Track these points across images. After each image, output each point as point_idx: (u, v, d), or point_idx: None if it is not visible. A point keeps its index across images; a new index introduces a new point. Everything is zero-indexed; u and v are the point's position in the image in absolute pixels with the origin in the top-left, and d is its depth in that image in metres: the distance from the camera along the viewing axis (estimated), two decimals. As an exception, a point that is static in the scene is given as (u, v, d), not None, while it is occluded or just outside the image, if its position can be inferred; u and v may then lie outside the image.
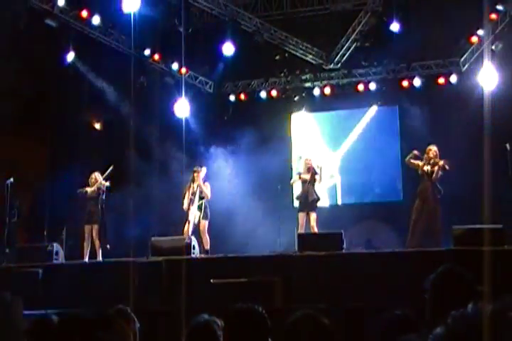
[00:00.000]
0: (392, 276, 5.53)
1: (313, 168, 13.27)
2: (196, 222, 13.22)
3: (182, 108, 16.55)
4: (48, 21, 15.13)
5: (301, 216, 13.01)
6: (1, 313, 3.78)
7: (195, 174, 13.37)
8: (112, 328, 3.31)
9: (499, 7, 14.76)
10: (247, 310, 3.72)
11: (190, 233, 12.94)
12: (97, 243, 13.14)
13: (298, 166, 13.85)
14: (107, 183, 13.36)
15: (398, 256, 8.85)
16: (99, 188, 13.35)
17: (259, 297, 8.52)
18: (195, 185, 13.33)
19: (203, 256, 12.43)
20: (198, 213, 13.25)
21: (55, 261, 12.02)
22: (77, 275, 10.30)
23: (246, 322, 3.61)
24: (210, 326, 3.88)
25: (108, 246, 13.10)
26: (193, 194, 13.27)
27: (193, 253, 11.90)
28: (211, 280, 9.50)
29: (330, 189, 14.12)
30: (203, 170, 13.53)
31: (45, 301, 5.36)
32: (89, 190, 13.40)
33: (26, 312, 4.09)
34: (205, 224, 13.27)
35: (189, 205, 13.20)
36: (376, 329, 4.25)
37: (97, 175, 13.54)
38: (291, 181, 14.01)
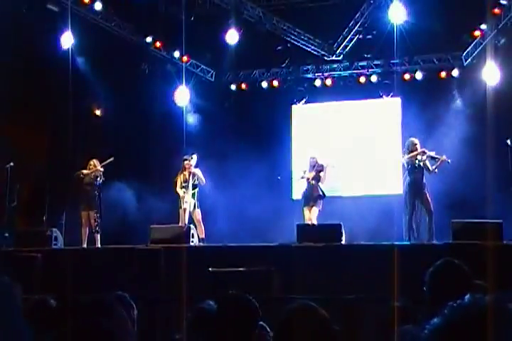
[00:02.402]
0: (390, 268, 5.57)
1: (317, 165, 13.38)
2: (191, 210, 13.26)
3: (182, 96, 16.53)
4: (50, 6, 15.09)
5: (306, 210, 13.17)
6: (0, 297, 3.79)
7: (186, 162, 13.42)
8: (109, 314, 3.35)
9: (503, 1, 14.71)
10: (236, 296, 3.81)
11: (186, 221, 13.00)
12: (94, 229, 13.19)
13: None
14: (101, 168, 13.40)
15: (397, 248, 8.85)
16: (96, 176, 13.38)
17: (257, 286, 8.57)
18: (186, 173, 13.35)
19: (201, 244, 12.46)
20: (193, 201, 13.29)
21: (54, 246, 12.04)
22: (76, 261, 10.30)
23: (235, 308, 3.70)
24: (211, 312, 3.97)
25: (99, 231, 13.17)
26: (186, 181, 13.30)
27: (192, 242, 11.93)
28: (209, 269, 9.52)
29: (331, 181, 14.07)
30: (194, 158, 13.53)
31: (44, 286, 5.37)
32: (85, 171, 13.46)
33: (25, 296, 4.12)
34: (198, 212, 13.32)
35: (184, 194, 13.25)
36: (375, 318, 4.31)
37: (95, 162, 13.56)
38: (296, 178, 14.04)
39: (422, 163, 12.23)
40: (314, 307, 2.79)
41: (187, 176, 13.36)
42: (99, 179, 13.40)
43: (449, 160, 12.31)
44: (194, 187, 13.39)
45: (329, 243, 10.28)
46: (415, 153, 12.30)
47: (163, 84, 16.93)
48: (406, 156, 12.41)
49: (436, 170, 12.27)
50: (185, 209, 13.22)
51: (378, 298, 4.66)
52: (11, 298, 3.74)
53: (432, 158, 12.28)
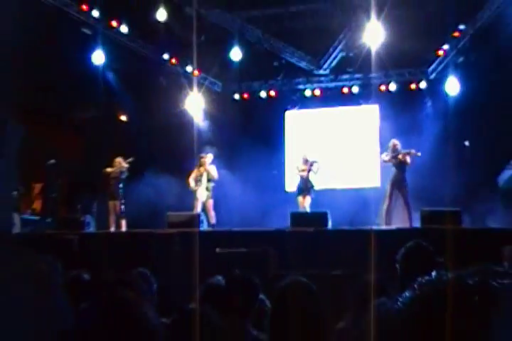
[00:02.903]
0: (368, 249, 5.57)
1: (309, 161, 13.52)
2: (204, 200, 13.30)
3: (194, 104, 16.52)
4: (84, 29, 15.11)
5: (300, 199, 13.36)
6: (44, 271, 3.80)
7: (202, 159, 13.44)
8: (132, 287, 3.36)
9: (461, 26, 14.83)
10: (240, 275, 3.83)
11: (199, 209, 13.03)
12: (120, 216, 13.35)
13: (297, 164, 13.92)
14: (126, 165, 13.50)
15: (374, 232, 8.84)
16: (121, 171, 13.44)
17: (256, 264, 8.58)
18: (201, 169, 13.36)
19: (210, 229, 12.48)
20: (206, 193, 13.32)
21: (87, 230, 12.05)
22: (106, 243, 10.31)
23: (240, 285, 3.72)
24: (219, 286, 3.99)
25: (124, 217, 13.32)
26: (200, 175, 13.32)
27: (201, 227, 11.93)
28: (216, 250, 9.50)
29: (319, 176, 14.09)
30: (210, 156, 13.59)
31: (79, 263, 5.39)
32: (109, 169, 13.58)
33: (64, 271, 4.13)
34: (211, 202, 13.35)
35: (197, 186, 13.25)
36: (354, 292, 4.30)
37: (120, 160, 13.64)
38: (294, 172, 14.09)
39: (400, 160, 12.29)
40: (305, 282, 2.80)
41: (202, 171, 13.39)
42: (123, 174, 13.51)
43: (419, 154, 12.32)
44: (208, 181, 13.42)
45: (317, 228, 10.28)
46: (387, 158, 12.40)
47: (178, 93, 16.93)
48: (388, 155, 12.45)
49: (408, 161, 12.29)
50: (197, 200, 13.26)
51: (357, 274, 4.65)
52: (53, 273, 3.76)
53: (407, 153, 12.31)
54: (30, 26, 13.14)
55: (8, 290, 1.10)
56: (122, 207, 13.38)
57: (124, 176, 13.55)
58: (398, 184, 12.28)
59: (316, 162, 13.55)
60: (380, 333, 0.90)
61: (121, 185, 13.53)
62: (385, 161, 12.64)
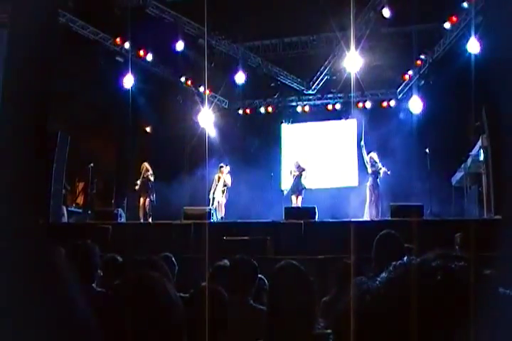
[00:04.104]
0: (348, 237, 5.59)
1: (300, 167, 13.62)
2: (220, 200, 13.39)
3: (205, 118, 16.54)
4: (117, 58, 15.19)
5: (293, 198, 13.43)
6: (86, 254, 3.82)
7: (221, 169, 13.71)
8: (156, 268, 3.35)
9: (422, 56, 14.95)
10: (242, 258, 3.82)
11: (214, 206, 13.14)
12: (146, 210, 13.40)
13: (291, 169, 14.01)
14: (151, 178, 13.58)
15: (353, 223, 8.84)
16: (148, 178, 13.55)
17: (256, 250, 8.58)
18: (221, 175, 13.57)
19: (220, 221, 12.50)
20: (221, 194, 13.42)
21: (119, 221, 12.06)
22: (134, 231, 10.30)
23: (241, 266, 3.72)
24: (226, 267, 3.98)
25: (151, 215, 13.44)
26: (218, 180, 13.56)
27: (212, 219, 11.93)
28: (224, 237, 9.50)
29: (308, 178, 14.13)
30: (227, 168, 13.73)
31: (113, 248, 5.40)
32: (139, 182, 13.63)
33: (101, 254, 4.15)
34: (224, 201, 13.51)
35: (214, 190, 13.45)
36: (337, 272, 4.31)
37: (146, 165, 13.68)
38: (286, 175, 14.18)
39: (377, 170, 12.59)
40: (296, 265, 2.79)
41: (220, 178, 13.62)
42: (151, 177, 13.57)
43: (389, 172, 12.58)
44: (224, 186, 13.64)
45: (306, 220, 10.27)
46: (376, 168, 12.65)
47: (192, 109, 16.97)
48: (368, 168, 12.75)
49: (381, 175, 12.65)
50: (213, 199, 13.43)
51: (339, 258, 4.65)
52: (93, 253, 3.78)
53: (380, 169, 12.62)
54: (75, 56, 13.25)
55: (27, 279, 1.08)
56: (149, 203, 13.45)
57: (152, 179, 13.61)
58: (373, 188, 12.43)
59: (304, 170, 13.59)
60: (359, 305, 0.91)
61: (150, 186, 13.56)
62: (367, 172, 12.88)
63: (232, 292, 3.20)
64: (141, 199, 13.49)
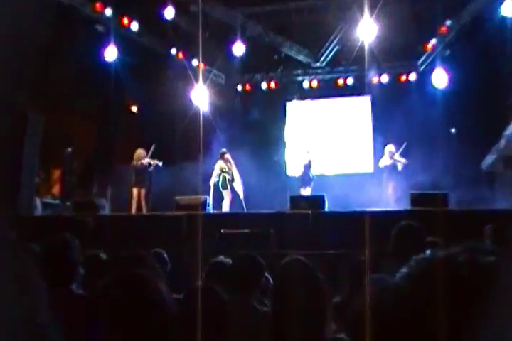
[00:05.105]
0: (362, 229, 5.56)
1: (310, 155, 14.09)
2: (240, 192, 13.49)
3: (199, 95, 16.47)
4: (98, 27, 15.10)
5: (302, 190, 13.75)
6: (64, 250, 3.80)
7: (225, 156, 13.49)
8: (146, 266, 3.37)
9: (447, 22, 14.79)
10: (247, 255, 3.83)
11: (243, 198, 13.36)
12: (143, 203, 13.40)
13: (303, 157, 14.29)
14: (160, 163, 13.56)
15: (367, 214, 8.84)
16: (149, 163, 13.51)
17: (258, 244, 8.59)
18: (229, 165, 13.46)
19: (215, 211, 12.49)
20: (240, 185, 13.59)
21: (101, 213, 12.06)
22: (120, 225, 10.32)
23: (245, 263, 3.72)
24: (225, 264, 3.99)
25: (147, 208, 13.44)
26: (229, 171, 13.39)
27: (208, 210, 11.91)
28: (221, 231, 9.51)
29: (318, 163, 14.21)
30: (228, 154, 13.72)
31: (96, 244, 5.38)
32: (134, 163, 13.57)
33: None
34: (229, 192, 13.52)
35: (226, 179, 13.34)
36: (350, 269, 4.32)
37: (141, 152, 13.63)
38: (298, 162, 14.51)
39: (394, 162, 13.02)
40: (303, 260, 2.80)
41: (230, 168, 13.50)
42: (150, 167, 13.59)
43: (407, 162, 13.03)
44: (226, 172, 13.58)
45: (314, 210, 10.27)
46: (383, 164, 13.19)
47: (184, 86, 16.90)
48: (384, 161, 13.22)
49: (400, 167, 13.09)
50: (231, 192, 13.44)
51: (352, 253, 4.66)
52: (72, 248, 3.76)
53: (399, 161, 13.02)
54: (48, 23, 13.13)
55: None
56: (145, 193, 13.49)
57: (151, 168, 13.60)
58: (392, 177, 12.85)
59: (313, 160, 14.00)
60: (377, 305, 0.91)
61: (147, 175, 13.59)
62: (381, 166, 13.07)
63: (232, 292, 3.21)
64: (135, 191, 13.43)
